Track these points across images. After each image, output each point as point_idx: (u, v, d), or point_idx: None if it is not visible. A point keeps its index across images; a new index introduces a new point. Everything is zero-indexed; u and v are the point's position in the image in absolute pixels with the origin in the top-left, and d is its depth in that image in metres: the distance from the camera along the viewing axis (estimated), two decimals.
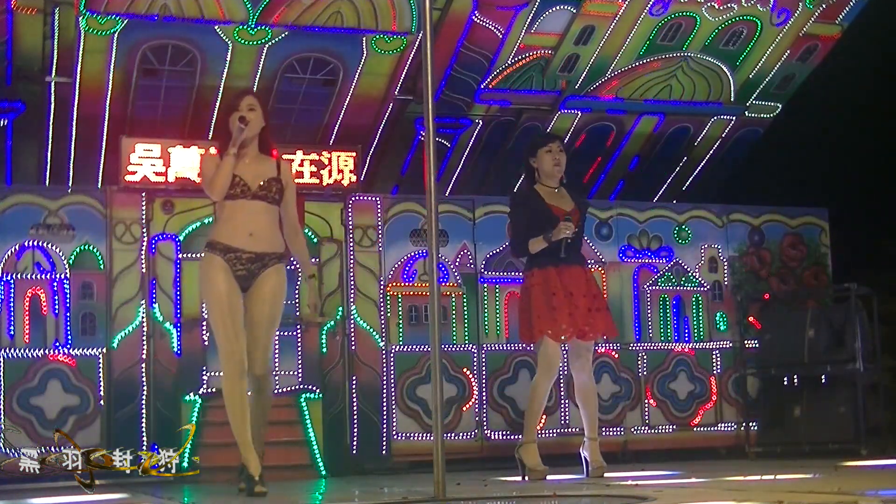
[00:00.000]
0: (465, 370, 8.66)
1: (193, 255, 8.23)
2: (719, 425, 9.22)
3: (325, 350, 8.37)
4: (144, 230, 8.17)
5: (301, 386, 8.27)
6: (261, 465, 5.66)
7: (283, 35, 8.38)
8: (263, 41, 8.39)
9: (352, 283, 8.51)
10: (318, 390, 8.28)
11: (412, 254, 8.71)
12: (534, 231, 6.59)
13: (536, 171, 6.76)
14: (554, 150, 6.71)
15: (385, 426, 8.46)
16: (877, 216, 11.08)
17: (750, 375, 9.10)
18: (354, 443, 8.39)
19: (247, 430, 5.65)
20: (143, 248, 8.15)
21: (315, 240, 8.42)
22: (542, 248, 6.55)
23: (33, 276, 7.94)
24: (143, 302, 8.08)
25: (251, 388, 5.74)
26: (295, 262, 6.32)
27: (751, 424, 8.94)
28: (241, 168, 5.68)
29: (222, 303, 5.63)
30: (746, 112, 10.10)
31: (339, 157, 8.59)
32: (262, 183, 5.69)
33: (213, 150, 5.86)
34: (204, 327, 8.16)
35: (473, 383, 8.67)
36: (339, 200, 8.60)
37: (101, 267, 8.07)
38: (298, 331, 8.32)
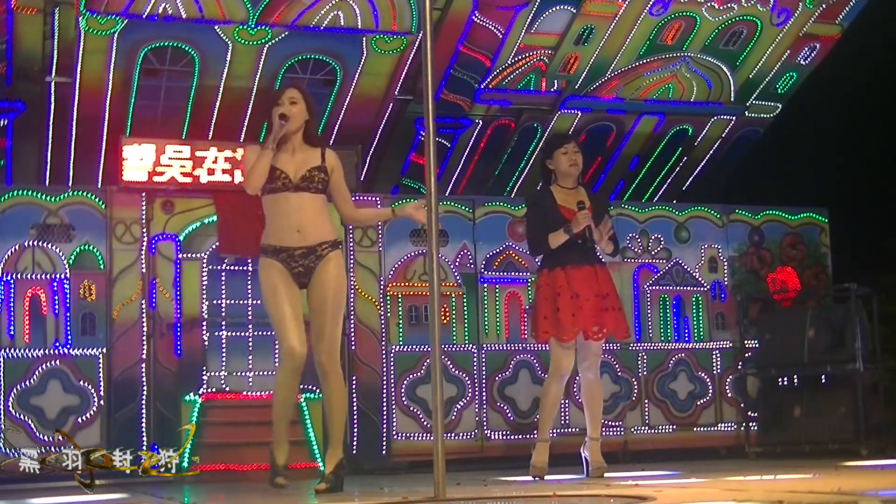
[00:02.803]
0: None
1: (193, 255, 8.25)
2: (719, 425, 9.22)
3: None
4: (144, 230, 8.17)
5: (301, 386, 8.24)
6: (334, 465, 5.61)
7: (283, 35, 8.38)
8: (263, 41, 8.39)
9: (352, 283, 8.51)
10: (318, 390, 8.26)
11: (412, 253, 8.72)
12: (548, 230, 6.59)
13: (553, 173, 6.77)
14: (570, 151, 6.71)
15: (385, 426, 8.46)
16: (877, 216, 11.08)
17: (750, 375, 9.10)
18: (354, 443, 8.39)
19: (284, 425, 5.68)
20: (143, 248, 8.15)
21: None
22: (562, 241, 6.54)
23: (33, 276, 7.94)
24: (143, 302, 8.08)
25: (322, 379, 5.65)
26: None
27: (751, 424, 8.94)
28: (283, 161, 5.62)
29: (280, 301, 5.56)
30: (746, 112, 10.10)
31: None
32: (304, 173, 5.61)
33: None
34: (204, 327, 8.17)
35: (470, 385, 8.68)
36: None
37: (101, 267, 8.07)
38: None
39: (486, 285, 8.85)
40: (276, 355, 8.19)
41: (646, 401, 9.07)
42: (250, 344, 8.36)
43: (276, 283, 5.58)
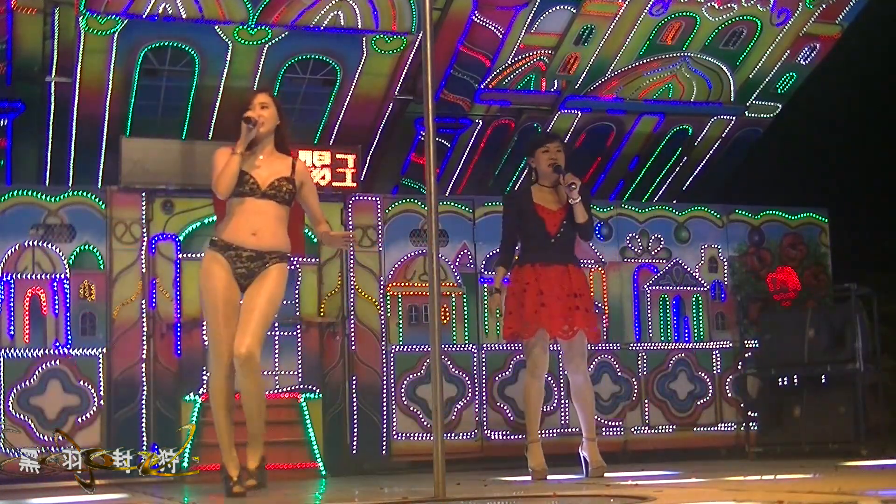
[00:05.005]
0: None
1: (193, 255, 8.24)
2: (719, 425, 9.22)
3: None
4: (144, 230, 8.17)
5: (301, 386, 8.27)
6: (258, 460, 5.60)
7: (283, 35, 8.38)
8: (263, 41, 8.39)
9: (352, 283, 8.52)
10: (318, 390, 8.28)
11: (412, 253, 8.72)
12: (518, 234, 6.64)
13: (535, 171, 6.77)
14: (551, 150, 6.67)
15: (385, 426, 8.47)
16: (877, 216, 11.09)
17: (750, 375, 9.10)
18: (354, 443, 8.40)
19: (228, 432, 5.63)
20: (143, 248, 8.15)
21: (315, 240, 8.41)
22: (496, 282, 6.64)
23: (33, 276, 7.94)
24: (143, 302, 8.09)
25: (237, 373, 5.58)
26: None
27: (751, 424, 8.94)
28: (253, 166, 5.63)
29: (217, 301, 5.58)
30: (746, 112, 10.10)
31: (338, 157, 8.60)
32: (273, 182, 5.63)
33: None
34: (204, 327, 8.16)
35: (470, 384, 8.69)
36: (339, 200, 8.60)
37: (101, 267, 8.08)
38: (298, 331, 8.32)
39: (486, 285, 8.85)
40: (276, 355, 8.23)
41: (646, 401, 9.08)
42: None
43: (216, 286, 5.56)
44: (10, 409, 7.74)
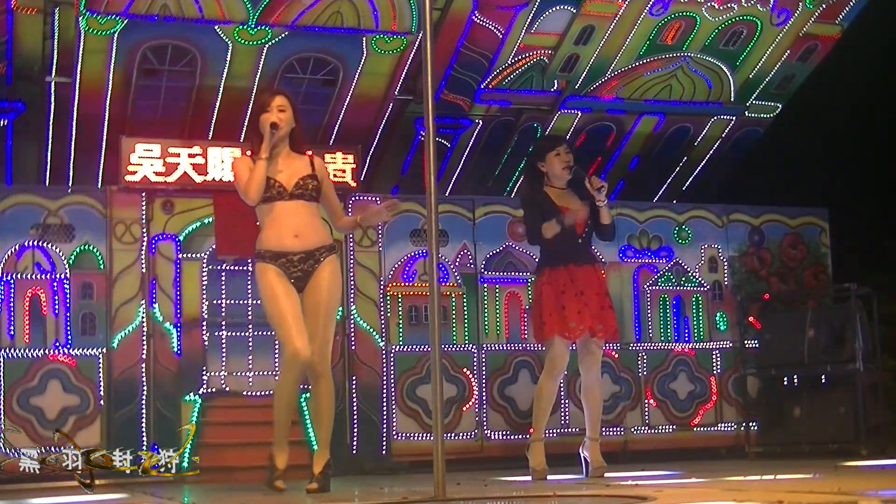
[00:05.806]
0: (464, 370, 8.68)
1: (193, 255, 8.25)
2: (719, 425, 9.22)
3: None
4: (144, 230, 8.17)
5: (301, 386, 8.24)
6: (322, 465, 5.72)
7: (283, 35, 8.38)
8: (263, 41, 8.39)
9: (352, 283, 8.51)
10: None
11: (412, 254, 8.71)
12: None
13: (545, 175, 6.83)
14: (562, 153, 6.81)
15: (385, 426, 8.46)
16: (877, 216, 11.08)
17: (750, 375, 9.10)
18: (354, 443, 8.39)
19: (286, 426, 5.74)
20: (143, 248, 8.15)
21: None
22: (555, 232, 6.56)
23: (33, 276, 7.94)
24: (143, 302, 8.08)
25: (310, 379, 5.74)
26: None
27: (751, 424, 8.94)
28: (275, 171, 5.67)
29: (281, 305, 5.60)
30: (746, 112, 10.09)
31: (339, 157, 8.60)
32: (297, 182, 5.68)
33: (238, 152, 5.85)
34: (204, 327, 8.17)
35: (474, 383, 8.68)
36: (339, 200, 8.57)
37: (101, 267, 8.07)
38: None
39: (486, 285, 8.85)
40: (277, 355, 8.22)
41: (646, 401, 9.07)
42: (250, 344, 8.36)
43: (274, 287, 5.60)
44: (11, 409, 7.73)
